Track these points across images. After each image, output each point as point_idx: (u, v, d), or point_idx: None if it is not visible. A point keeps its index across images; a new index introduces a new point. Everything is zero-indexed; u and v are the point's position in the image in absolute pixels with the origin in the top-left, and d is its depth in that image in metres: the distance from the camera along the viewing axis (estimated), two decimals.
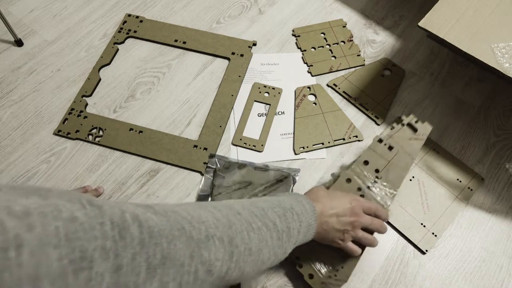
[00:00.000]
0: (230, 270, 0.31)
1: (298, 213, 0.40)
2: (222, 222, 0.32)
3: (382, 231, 0.48)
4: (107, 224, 0.22)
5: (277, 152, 0.64)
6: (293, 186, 0.60)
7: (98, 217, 0.22)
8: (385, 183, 0.52)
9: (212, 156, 0.63)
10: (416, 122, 0.55)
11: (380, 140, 0.54)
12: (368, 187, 0.52)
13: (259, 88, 0.70)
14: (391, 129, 0.55)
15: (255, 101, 0.69)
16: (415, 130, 0.54)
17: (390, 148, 0.53)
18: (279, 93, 0.70)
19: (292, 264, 0.53)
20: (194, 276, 0.27)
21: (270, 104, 0.68)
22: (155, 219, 0.26)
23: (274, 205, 0.39)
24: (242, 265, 0.33)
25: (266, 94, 0.70)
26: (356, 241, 0.48)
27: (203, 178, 0.61)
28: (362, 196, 0.51)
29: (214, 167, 0.61)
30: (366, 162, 0.53)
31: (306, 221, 0.41)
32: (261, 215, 0.36)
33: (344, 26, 0.78)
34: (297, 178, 0.60)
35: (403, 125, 0.54)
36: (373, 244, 0.48)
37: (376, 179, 0.52)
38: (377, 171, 0.53)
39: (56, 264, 0.18)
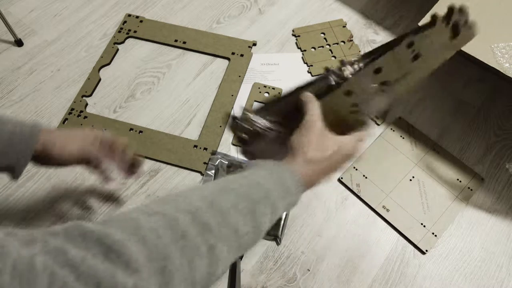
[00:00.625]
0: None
1: (273, 202, 0.33)
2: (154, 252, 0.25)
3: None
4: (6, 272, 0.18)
5: None
6: None
7: None
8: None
9: (214, 153, 0.63)
10: (465, 23, 0.40)
11: (411, 44, 0.39)
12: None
13: (259, 88, 0.70)
14: (430, 26, 0.39)
15: (255, 101, 0.69)
16: (456, 34, 0.40)
17: (416, 57, 0.40)
18: (279, 93, 0.69)
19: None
20: None
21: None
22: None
23: (241, 200, 0.31)
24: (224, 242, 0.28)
25: (266, 94, 0.70)
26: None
27: (203, 176, 0.61)
28: (356, 111, 0.41)
29: (216, 164, 0.61)
30: (378, 70, 0.39)
31: (285, 201, 0.34)
32: (218, 225, 0.28)
33: (344, 26, 0.78)
34: None
35: (448, 23, 0.39)
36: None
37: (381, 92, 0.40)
38: (384, 83, 0.40)
39: None
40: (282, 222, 0.57)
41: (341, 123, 0.41)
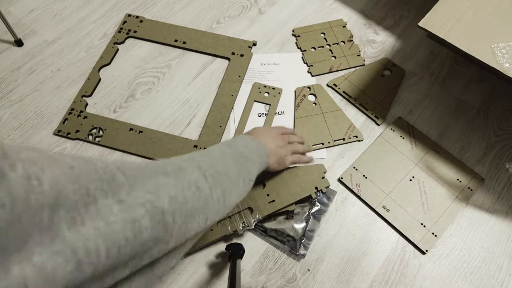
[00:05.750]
0: (212, 190, 0.35)
1: (247, 157, 0.46)
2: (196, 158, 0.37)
3: (302, 148, 0.59)
4: (99, 171, 0.25)
5: None
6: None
7: (90, 165, 0.25)
8: None
9: None
10: None
11: None
12: None
13: (259, 88, 0.70)
14: None
15: (255, 101, 0.69)
16: None
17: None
18: (279, 93, 0.70)
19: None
20: (183, 193, 0.31)
21: (270, 104, 0.68)
22: (132, 169, 0.29)
23: (225, 147, 0.45)
24: (219, 185, 0.37)
25: (266, 94, 0.70)
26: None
27: None
28: None
29: None
30: None
31: (255, 151, 0.48)
32: (226, 166, 0.41)
33: (344, 26, 0.78)
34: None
35: None
36: (303, 149, 0.59)
37: None
38: None
39: (72, 196, 0.22)
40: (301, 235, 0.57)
41: None
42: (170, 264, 0.32)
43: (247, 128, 0.66)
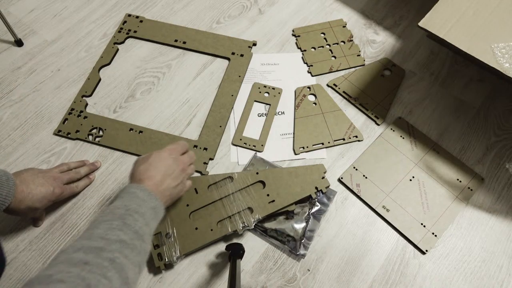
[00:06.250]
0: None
1: (136, 210, 0.42)
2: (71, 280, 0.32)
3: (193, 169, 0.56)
4: None
5: (277, 152, 0.64)
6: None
7: None
8: None
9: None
10: None
11: None
12: None
13: (259, 88, 0.70)
14: None
15: (255, 101, 0.69)
16: None
17: None
18: (279, 93, 0.70)
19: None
20: None
21: (270, 104, 0.68)
22: None
23: (110, 222, 0.39)
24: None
25: (266, 94, 0.70)
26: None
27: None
28: None
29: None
30: None
31: (148, 207, 0.44)
32: (105, 245, 0.36)
33: (344, 26, 0.78)
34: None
35: None
36: (193, 170, 0.56)
37: None
38: None
39: None
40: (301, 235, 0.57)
41: None
42: None
43: (247, 128, 0.66)
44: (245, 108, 0.68)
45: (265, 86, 0.70)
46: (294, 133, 0.66)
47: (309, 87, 0.70)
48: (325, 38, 0.76)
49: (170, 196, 0.50)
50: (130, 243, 0.38)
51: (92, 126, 0.66)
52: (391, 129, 0.66)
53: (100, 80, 0.72)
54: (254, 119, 0.67)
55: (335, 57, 0.74)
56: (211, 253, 0.56)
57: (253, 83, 0.71)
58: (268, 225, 0.57)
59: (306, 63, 0.73)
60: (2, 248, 0.49)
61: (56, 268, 0.32)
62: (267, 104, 0.69)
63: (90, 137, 0.65)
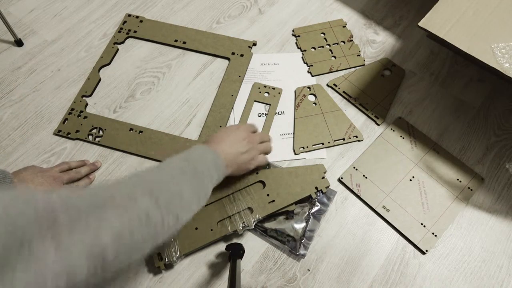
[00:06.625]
0: (164, 216, 0.34)
1: (195, 160, 0.45)
2: (142, 182, 0.36)
3: (270, 148, 0.60)
4: (39, 211, 0.25)
5: (277, 152, 0.64)
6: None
7: (29, 205, 0.25)
8: None
9: None
10: None
11: None
12: None
13: (259, 88, 0.70)
14: None
15: (255, 101, 0.69)
16: None
17: None
18: (279, 93, 0.70)
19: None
20: (131, 225, 0.31)
21: (270, 104, 0.68)
22: (79, 201, 0.29)
23: (182, 162, 0.44)
24: (172, 210, 0.36)
25: (266, 94, 0.70)
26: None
27: None
28: None
29: None
30: None
31: (211, 165, 0.47)
32: (173, 169, 0.41)
33: (344, 26, 0.78)
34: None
35: None
36: (270, 149, 0.60)
37: None
38: None
39: (4, 240, 0.22)
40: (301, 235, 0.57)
41: None
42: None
43: None
44: (245, 108, 0.68)
45: (265, 86, 0.70)
46: (294, 133, 0.66)
47: (309, 87, 0.70)
48: (325, 38, 0.76)
49: (235, 160, 0.52)
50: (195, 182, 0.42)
51: (92, 126, 0.66)
52: (391, 129, 0.66)
53: (100, 80, 0.72)
54: (254, 119, 0.67)
55: (335, 57, 0.74)
56: (211, 253, 0.56)
57: (253, 83, 0.71)
58: (268, 225, 0.57)
59: (306, 63, 0.73)
60: None
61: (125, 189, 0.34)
62: (267, 104, 0.69)
63: (90, 137, 0.65)
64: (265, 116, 0.67)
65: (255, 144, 0.56)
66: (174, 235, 0.38)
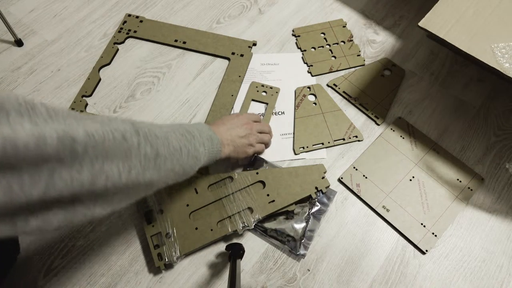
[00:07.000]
0: (140, 143, 0.35)
1: (193, 134, 0.46)
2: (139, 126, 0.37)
3: (268, 139, 0.63)
4: (20, 100, 0.26)
5: (277, 152, 0.64)
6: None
7: (12, 96, 0.26)
8: None
9: None
10: None
11: None
12: None
13: (256, 87, 0.70)
14: None
15: (252, 100, 0.69)
16: None
17: None
18: (276, 92, 0.69)
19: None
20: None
21: (267, 103, 0.68)
22: (61, 109, 0.30)
23: (175, 124, 0.46)
24: (151, 142, 0.37)
25: (264, 93, 0.70)
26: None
27: None
28: None
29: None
30: None
31: (205, 135, 0.48)
32: (165, 135, 0.41)
33: (344, 26, 0.78)
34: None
35: None
36: (269, 140, 0.63)
37: None
38: None
39: None
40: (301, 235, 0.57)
41: None
42: (93, 210, 0.32)
43: None
44: (242, 107, 0.68)
45: (262, 85, 0.70)
46: (294, 133, 0.66)
47: (309, 87, 0.70)
48: (325, 38, 0.76)
49: (233, 141, 0.55)
50: (177, 148, 0.41)
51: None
52: (391, 129, 0.66)
53: (100, 80, 0.72)
54: None
55: (335, 57, 0.74)
56: (211, 253, 0.56)
57: (251, 82, 0.71)
58: (268, 225, 0.57)
59: (306, 63, 0.73)
60: (17, 239, 0.51)
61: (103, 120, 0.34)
62: (264, 103, 0.69)
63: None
64: (262, 116, 0.67)
65: (254, 131, 0.59)
66: (157, 178, 0.38)
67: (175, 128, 0.44)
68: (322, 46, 0.75)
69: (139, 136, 0.35)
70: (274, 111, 0.68)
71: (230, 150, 0.54)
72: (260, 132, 0.61)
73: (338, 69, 0.73)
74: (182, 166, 0.42)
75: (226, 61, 0.74)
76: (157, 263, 0.53)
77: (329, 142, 0.65)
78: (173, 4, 0.82)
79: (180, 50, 0.76)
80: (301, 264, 0.56)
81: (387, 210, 0.59)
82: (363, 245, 0.57)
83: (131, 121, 0.36)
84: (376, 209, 0.59)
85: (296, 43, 0.76)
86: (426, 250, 0.56)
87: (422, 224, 0.58)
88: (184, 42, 0.75)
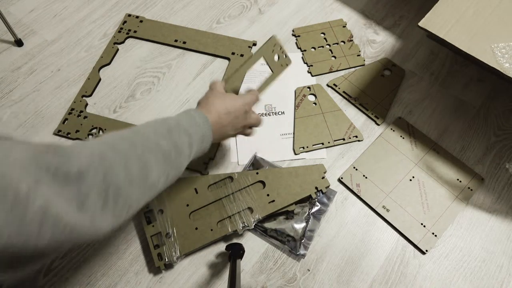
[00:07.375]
0: (116, 205, 0.32)
1: (185, 128, 0.43)
2: (96, 158, 0.33)
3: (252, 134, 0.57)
4: None
5: (277, 152, 0.64)
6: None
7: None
8: None
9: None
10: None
11: None
12: None
13: (274, 45, 0.58)
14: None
15: (263, 57, 0.58)
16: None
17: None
18: (287, 64, 0.59)
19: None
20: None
21: (272, 72, 0.59)
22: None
23: (158, 127, 0.41)
24: (129, 195, 0.34)
25: (276, 57, 0.59)
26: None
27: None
28: None
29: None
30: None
31: (198, 133, 0.44)
32: (142, 141, 0.38)
33: (344, 26, 0.78)
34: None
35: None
36: (260, 122, 0.56)
37: None
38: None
39: None
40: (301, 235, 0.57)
41: None
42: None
43: None
44: (248, 60, 0.58)
45: (280, 48, 0.58)
46: (294, 133, 0.66)
47: (309, 87, 0.70)
48: (325, 38, 0.76)
49: (221, 134, 0.50)
50: (166, 150, 0.39)
51: (92, 126, 0.66)
52: (391, 129, 0.66)
53: (100, 80, 0.72)
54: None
55: (335, 57, 0.74)
56: (211, 253, 0.56)
57: (272, 36, 0.58)
58: (268, 225, 0.57)
59: (306, 63, 0.73)
60: None
61: (89, 143, 0.35)
62: (270, 69, 0.59)
63: (90, 137, 0.65)
64: (266, 115, 0.67)
65: (248, 111, 0.53)
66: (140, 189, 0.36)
67: (167, 140, 0.41)
68: (322, 46, 0.75)
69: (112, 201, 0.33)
70: (274, 111, 0.68)
71: (217, 141, 0.51)
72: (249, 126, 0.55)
73: (338, 69, 0.73)
74: (175, 173, 0.42)
75: (226, 61, 0.74)
76: (157, 263, 0.53)
77: (329, 142, 0.65)
78: (173, 4, 0.82)
79: (180, 50, 0.76)
80: (301, 264, 0.56)
81: (387, 210, 0.59)
82: (363, 245, 0.57)
83: (101, 173, 0.32)
84: (376, 209, 0.59)
85: (296, 43, 0.76)
86: (426, 250, 0.56)
87: (422, 224, 0.58)
88: (184, 42, 0.75)
